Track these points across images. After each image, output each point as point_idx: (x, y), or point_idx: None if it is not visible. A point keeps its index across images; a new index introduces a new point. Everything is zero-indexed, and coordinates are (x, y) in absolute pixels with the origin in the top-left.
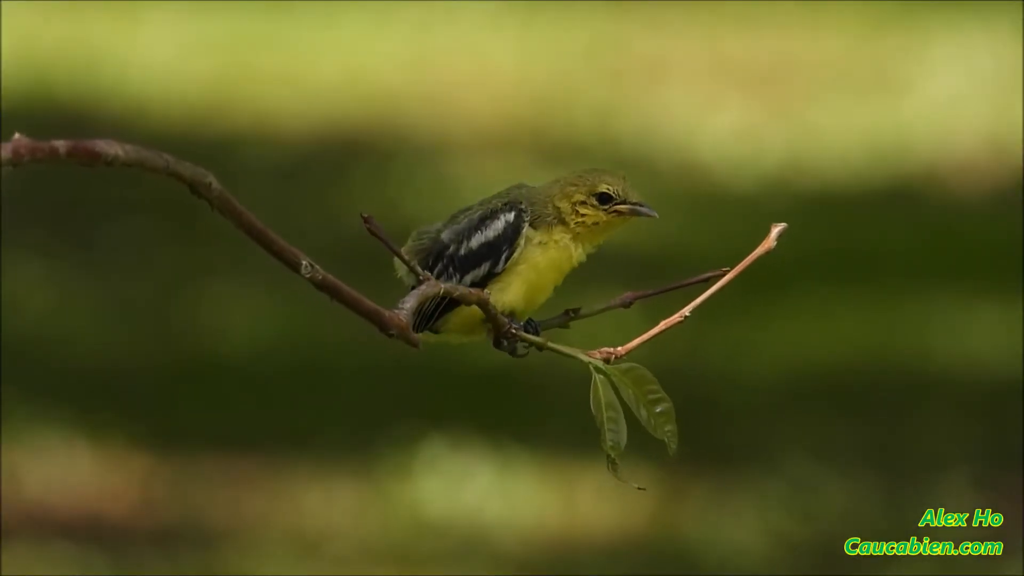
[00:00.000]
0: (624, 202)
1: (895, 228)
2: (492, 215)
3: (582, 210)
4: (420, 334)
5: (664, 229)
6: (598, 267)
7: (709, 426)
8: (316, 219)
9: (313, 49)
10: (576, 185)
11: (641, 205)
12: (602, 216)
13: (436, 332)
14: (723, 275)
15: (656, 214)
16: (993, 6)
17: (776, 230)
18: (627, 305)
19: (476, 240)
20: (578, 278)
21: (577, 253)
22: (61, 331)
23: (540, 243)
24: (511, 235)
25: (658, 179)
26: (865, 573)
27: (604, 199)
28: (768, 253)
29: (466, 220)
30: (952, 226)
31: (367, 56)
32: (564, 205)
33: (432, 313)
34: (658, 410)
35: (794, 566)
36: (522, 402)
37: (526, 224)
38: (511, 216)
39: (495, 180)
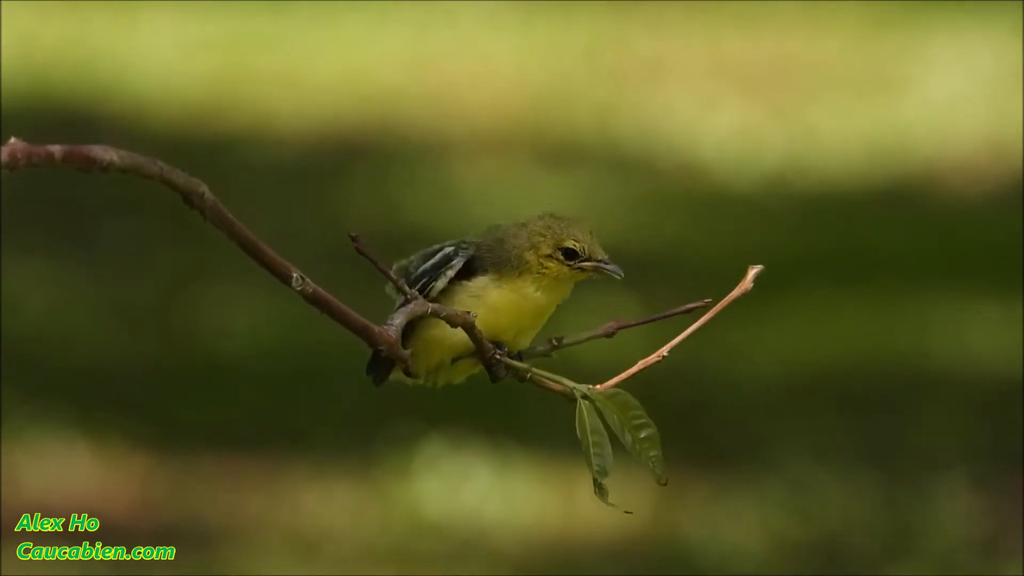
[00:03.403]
0: (589, 259)
1: (895, 228)
2: (439, 250)
3: (546, 263)
4: (422, 382)
5: (664, 229)
6: None
7: (708, 426)
8: (316, 219)
9: (313, 49)
10: (544, 236)
11: (606, 263)
12: (565, 271)
13: (435, 384)
14: (707, 307)
15: (621, 274)
16: (993, 6)
17: (753, 272)
18: (610, 335)
19: (421, 267)
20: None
21: (536, 296)
22: (61, 331)
23: (496, 285)
24: (440, 266)
25: (658, 179)
26: (865, 573)
27: (569, 255)
28: (745, 293)
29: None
30: (952, 226)
31: (367, 56)
32: (530, 256)
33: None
34: (643, 435)
35: (794, 566)
36: (521, 402)
37: (458, 259)
38: (450, 251)
39: (495, 180)
